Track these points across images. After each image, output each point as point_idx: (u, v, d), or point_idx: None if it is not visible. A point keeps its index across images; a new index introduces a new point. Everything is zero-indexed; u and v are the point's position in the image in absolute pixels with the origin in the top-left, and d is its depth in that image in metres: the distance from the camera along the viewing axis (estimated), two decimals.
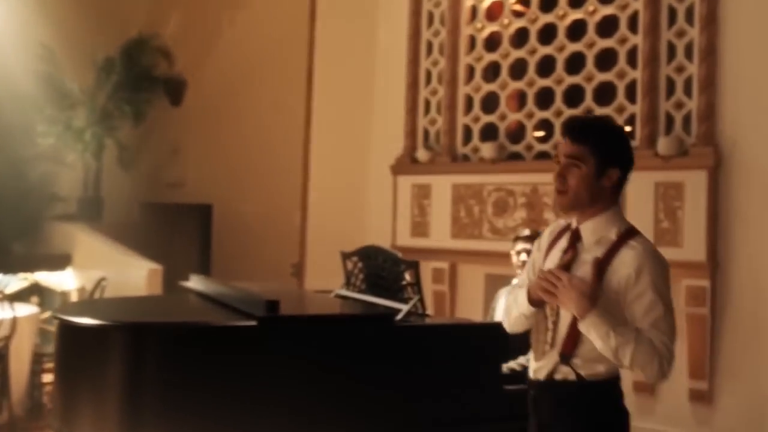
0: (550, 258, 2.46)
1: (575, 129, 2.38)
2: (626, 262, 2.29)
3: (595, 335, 2.24)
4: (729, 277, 5.16)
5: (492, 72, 6.33)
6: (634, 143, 5.51)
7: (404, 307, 3.46)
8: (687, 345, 5.21)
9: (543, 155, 5.99)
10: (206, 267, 8.46)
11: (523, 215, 5.96)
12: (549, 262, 2.45)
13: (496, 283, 6.13)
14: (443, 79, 6.52)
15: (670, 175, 5.27)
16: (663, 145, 5.26)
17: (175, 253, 8.24)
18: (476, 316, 6.10)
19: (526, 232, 4.29)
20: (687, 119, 5.35)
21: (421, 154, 6.50)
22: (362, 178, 7.12)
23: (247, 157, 8.10)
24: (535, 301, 2.39)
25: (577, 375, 2.34)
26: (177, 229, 8.80)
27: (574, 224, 2.43)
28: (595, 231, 2.36)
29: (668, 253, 5.06)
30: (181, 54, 8.78)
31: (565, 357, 2.35)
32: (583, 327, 2.26)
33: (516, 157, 6.13)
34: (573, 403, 2.37)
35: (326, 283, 7.24)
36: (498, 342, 3.33)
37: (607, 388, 2.39)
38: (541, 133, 6.10)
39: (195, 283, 4.15)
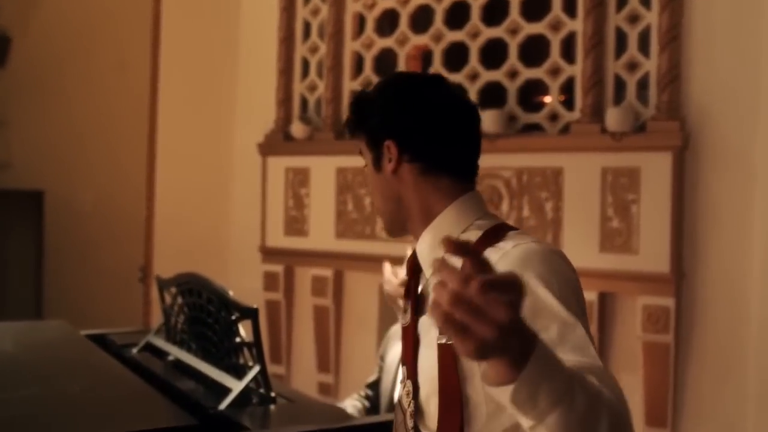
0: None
1: (347, 120, 1.63)
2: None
3: (543, 400, 1.01)
4: (698, 294, 3.90)
5: (388, 23, 4.89)
6: (574, 115, 4.17)
7: (231, 394, 2.03)
8: (644, 382, 3.94)
9: None
10: (38, 270, 6.78)
11: None
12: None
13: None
14: (325, 32, 5.04)
15: (622, 159, 3.96)
16: (612, 118, 3.94)
17: None
18: (369, 338, 4.73)
19: None
20: (643, 84, 4.03)
21: (297, 129, 5.02)
22: (224, 159, 5.60)
23: (86, 133, 6.43)
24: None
25: None
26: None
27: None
28: (432, 245, 1.45)
29: (619, 261, 3.75)
30: (2, 3, 7.01)
31: None
32: (516, 393, 1.00)
33: None
34: None
35: None
36: None
37: None
38: None
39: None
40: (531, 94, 4.41)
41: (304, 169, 5.04)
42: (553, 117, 4.28)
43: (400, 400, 1.47)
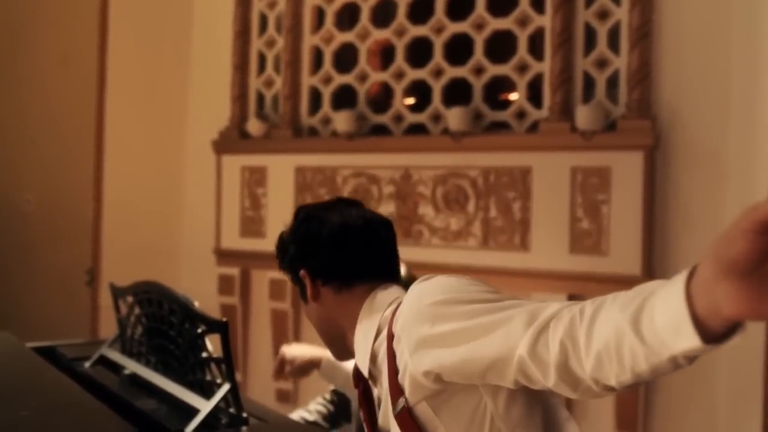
0: None
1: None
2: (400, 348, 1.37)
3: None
4: None
5: (348, 16, 4.73)
6: (542, 113, 4.06)
7: (198, 415, 1.85)
8: None
9: (417, 129, 4.45)
10: None
11: (390, 210, 4.40)
12: None
13: None
14: (282, 26, 4.85)
15: (592, 158, 3.87)
16: (582, 116, 3.84)
17: None
18: None
19: None
20: (613, 81, 3.95)
21: (253, 126, 4.82)
22: (177, 157, 5.37)
23: (28, 130, 6.12)
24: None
25: None
26: None
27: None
28: (362, 358, 1.53)
29: (589, 263, 3.65)
30: None
31: None
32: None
33: (381, 131, 4.56)
34: None
35: None
36: None
37: None
38: (412, 100, 4.56)
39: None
40: (497, 92, 4.28)
41: (261, 168, 4.84)
42: (521, 115, 4.17)
43: None
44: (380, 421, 1.53)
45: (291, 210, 4.67)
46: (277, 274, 4.92)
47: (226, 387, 1.92)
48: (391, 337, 1.42)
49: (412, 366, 1.32)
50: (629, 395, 3.83)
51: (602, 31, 3.94)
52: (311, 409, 2.84)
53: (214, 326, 1.98)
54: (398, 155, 4.37)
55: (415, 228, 4.33)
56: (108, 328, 5.47)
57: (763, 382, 3.50)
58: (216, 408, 1.94)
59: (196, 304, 2.12)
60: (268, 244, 4.78)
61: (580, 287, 3.90)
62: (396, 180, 4.39)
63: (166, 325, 2.20)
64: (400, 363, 1.38)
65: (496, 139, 4.11)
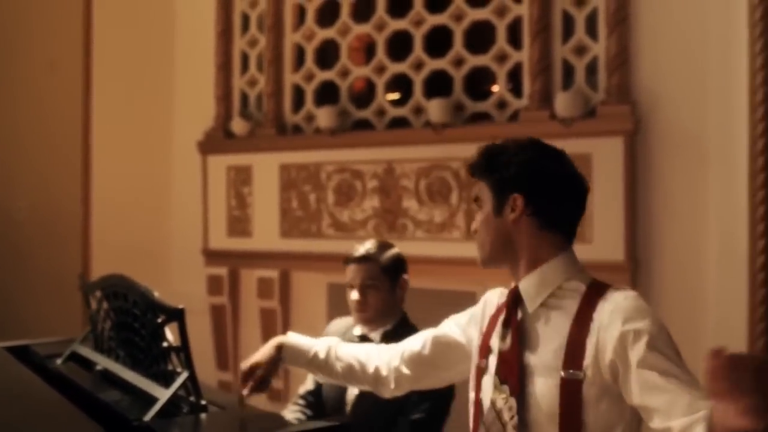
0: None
1: (471, 163, 1.82)
2: (607, 319, 1.59)
3: None
4: (654, 282, 3.80)
5: (329, 13, 4.72)
6: (522, 102, 4.05)
7: (157, 404, 1.84)
8: None
9: (399, 122, 4.44)
10: None
11: (374, 204, 4.40)
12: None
13: (343, 296, 4.57)
14: (264, 25, 4.85)
15: (573, 145, 3.76)
16: (561, 103, 3.83)
17: None
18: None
19: (366, 247, 2.70)
20: (592, 68, 3.94)
21: (237, 125, 4.82)
22: (164, 159, 5.37)
23: (17, 136, 6.12)
24: None
25: None
26: None
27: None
28: (535, 289, 1.70)
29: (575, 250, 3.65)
30: None
31: None
32: None
33: (363, 125, 4.56)
34: None
35: None
36: None
37: None
38: (395, 95, 4.56)
39: None
40: (478, 83, 4.27)
41: (246, 167, 4.84)
42: (501, 105, 4.15)
43: (497, 412, 1.68)
44: (526, 351, 1.68)
45: (276, 208, 4.65)
46: (265, 273, 4.93)
47: (184, 375, 1.90)
48: (595, 302, 1.62)
49: (617, 344, 1.55)
50: None
51: (580, 18, 3.93)
52: (290, 418, 2.79)
53: (171, 314, 1.96)
54: (381, 149, 4.37)
55: (399, 222, 4.32)
56: None
57: None
58: (177, 397, 1.92)
59: (156, 294, 2.11)
60: (254, 242, 4.80)
61: None
62: (379, 174, 4.37)
63: (131, 318, 2.19)
64: (605, 332, 1.57)
65: (477, 129, 4.09)
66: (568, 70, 3.97)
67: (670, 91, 3.74)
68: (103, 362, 2.35)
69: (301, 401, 2.73)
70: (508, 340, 1.71)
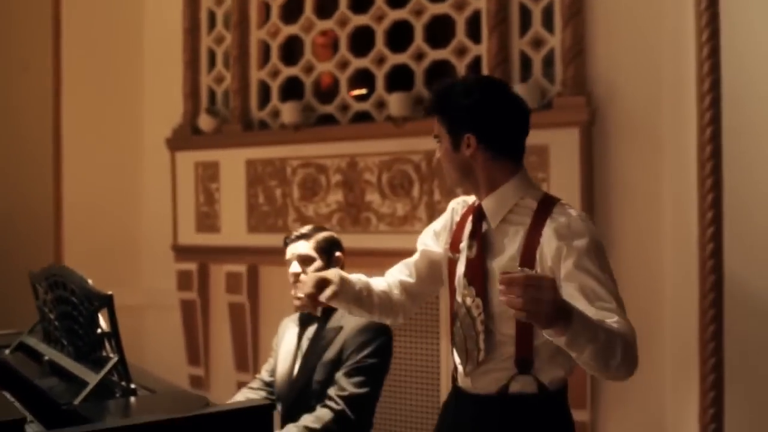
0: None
1: (428, 100, 2.15)
2: (547, 240, 1.91)
3: (584, 338, 1.69)
4: (614, 270, 3.83)
5: (293, 9, 4.75)
6: None
7: (86, 388, 1.87)
8: None
9: (362, 117, 4.48)
10: None
11: (338, 198, 4.43)
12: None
13: None
14: (230, 22, 4.88)
15: (530, 136, 3.84)
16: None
17: None
18: None
19: (303, 230, 2.80)
20: (548, 60, 3.98)
21: (204, 122, 4.85)
22: (134, 157, 5.39)
23: None
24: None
25: (540, 385, 1.98)
26: None
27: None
28: (496, 206, 2.01)
29: None
30: None
31: (526, 363, 1.97)
32: (569, 335, 1.67)
33: (327, 120, 4.59)
34: (530, 419, 1.98)
35: None
36: None
37: (563, 397, 2.08)
38: (363, 91, 4.58)
39: None
40: (438, 76, 4.30)
41: (214, 163, 4.87)
42: None
43: (467, 309, 2.00)
44: (488, 258, 1.99)
45: (243, 203, 4.67)
46: (234, 267, 4.95)
47: (113, 359, 1.94)
48: (544, 219, 1.92)
49: (554, 256, 1.87)
50: (576, 374, 3.85)
51: (536, 11, 3.97)
52: (245, 394, 2.84)
53: (102, 301, 2.00)
54: (344, 144, 4.40)
55: (363, 215, 4.36)
56: None
57: (699, 352, 3.51)
58: (110, 381, 1.96)
59: (90, 281, 2.14)
60: (222, 238, 4.83)
61: None
62: (343, 168, 4.41)
63: (71, 306, 2.22)
64: (547, 246, 1.89)
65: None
66: (526, 63, 4.01)
67: (624, 81, 3.78)
68: (45, 351, 2.38)
69: (265, 377, 2.82)
70: (474, 250, 2.01)
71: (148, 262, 5.30)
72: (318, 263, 2.64)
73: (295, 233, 2.73)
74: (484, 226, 2.02)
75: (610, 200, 3.82)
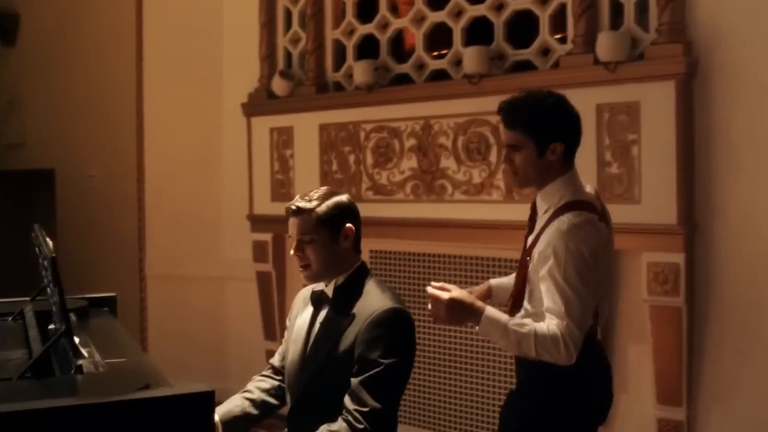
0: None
1: (506, 115, 2.37)
2: (544, 239, 2.29)
3: (496, 336, 2.24)
4: (714, 247, 3.32)
5: None
6: (566, 47, 3.63)
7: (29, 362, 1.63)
8: (653, 353, 3.39)
9: (439, 75, 4.10)
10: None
11: (412, 164, 4.08)
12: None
13: (386, 264, 4.30)
14: None
15: (619, 92, 3.40)
16: (605, 45, 3.38)
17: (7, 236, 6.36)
18: None
19: (302, 199, 2.36)
20: (642, 5, 3.46)
21: (278, 85, 4.60)
22: (214, 124, 5.23)
23: (85, 107, 6.15)
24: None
25: None
26: (15, 201, 6.89)
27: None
28: (544, 202, 2.38)
29: (619, 213, 3.14)
30: None
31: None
32: (482, 333, 2.26)
33: (402, 80, 4.24)
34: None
35: (169, 264, 5.41)
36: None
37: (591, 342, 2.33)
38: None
39: None
40: (520, 29, 3.86)
41: (288, 129, 4.62)
42: (545, 52, 3.74)
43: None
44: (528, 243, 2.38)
45: (317, 171, 4.40)
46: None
47: (59, 331, 1.68)
48: (552, 220, 2.28)
49: (540, 252, 2.26)
50: (671, 365, 3.37)
51: None
52: (251, 387, 2.51)
53: (50, 260, 1.74)
54: (418, 105, 4.04)
55: (437, 183, 3.99)
56: (154, 294, 5.42)
57: None
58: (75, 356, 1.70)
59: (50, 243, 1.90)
60: None
61: None
62: (417, 132, 4.05)
63: (43, 268, 2.00)
64: (540, 244, 2.27)
65: (515, 79, 3.69)
66: (617, 8, 3.51)
67: (731, 26, 3.23)
68: (29, 322, 2.18)
69: (276, 362, 2.50)
70: (529, 239, 2.39)
71: (227, 232, 5.14)
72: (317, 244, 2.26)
73: (294, 204, 2.29)
74: (537, 218, 2.40)
75: (712, 165, 3.29)
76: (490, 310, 2.19)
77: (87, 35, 6.05)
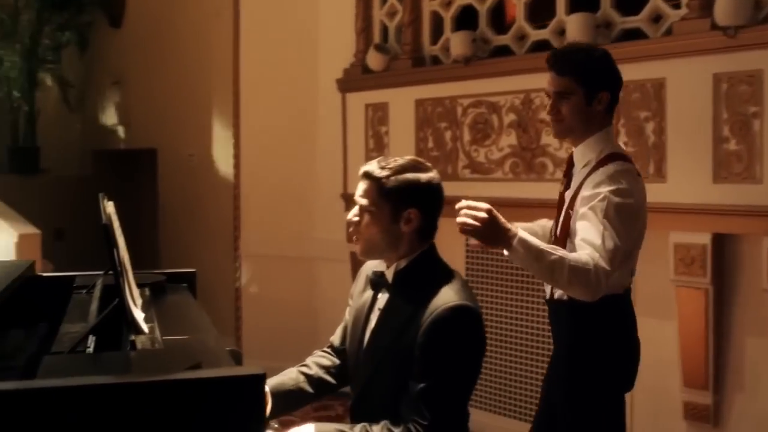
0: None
1: (558, 62, 2.39)
2: (588, 185, 2.30)
3: (528, 260, 2.14)
4: None
5: None
6: (679, 12, 3.34)
7: (78, 334, 1.53)
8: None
9: (540, 46, 3.86)
10: (154, 222, 6.65)
11: (512, 142, 3.87)
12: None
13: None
14: None
15: (738, 61, 3.09)
16: (724, 8, 3.08)
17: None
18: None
19: (375, 164, 2.03)
20: None
21: (373, 59, 4.46)
22: (310, 100, 5.14)
23: (185, 88, 6.17)
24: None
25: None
26: (121, 180, 7.02)
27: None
28: (584, 155, 2.41)
29: (738, 194, 2.92)
30: None
31: None
32: (513, 257, 2.16)
33: (501, 53, 4.02)
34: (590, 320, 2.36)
35: (264, 244, 5.36)
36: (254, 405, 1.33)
37: (623, 301, 2.43)
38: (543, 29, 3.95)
39: None
40: None
41: (383, 105, 4.48)
42: (657, 19, 3.46)
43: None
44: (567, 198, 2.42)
45: (413, 148, 4.23)
46: None
47: (113, 304, 1.58)
48: (596, 168, 2.31)
49: (583, 196, 2.28)
50: (697, 351, 3.12)
51: None
52: (308, 362, 2.33)
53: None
54: (517, 77, 3.82)
55: (538, 161, 3.77)
56: (248, 273, 5.38)
57: None
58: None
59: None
60: None
61: (728, 224, 3.17)
62: (516, 107, 3.83)
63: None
64: (585, 187, 2.29)
65: (623, 48, 3.42)
66: None
67: None
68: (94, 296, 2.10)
69: (335, 342, 2.30)
70: (567, 194, 2.44)
71: (320, 211, 5.06)
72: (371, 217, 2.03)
73: (366, 167, 2.06)
74: (572, 173, 2.46)
75: None
76: (524, 233, 2.13)
77: (189, 16, 6.06)
